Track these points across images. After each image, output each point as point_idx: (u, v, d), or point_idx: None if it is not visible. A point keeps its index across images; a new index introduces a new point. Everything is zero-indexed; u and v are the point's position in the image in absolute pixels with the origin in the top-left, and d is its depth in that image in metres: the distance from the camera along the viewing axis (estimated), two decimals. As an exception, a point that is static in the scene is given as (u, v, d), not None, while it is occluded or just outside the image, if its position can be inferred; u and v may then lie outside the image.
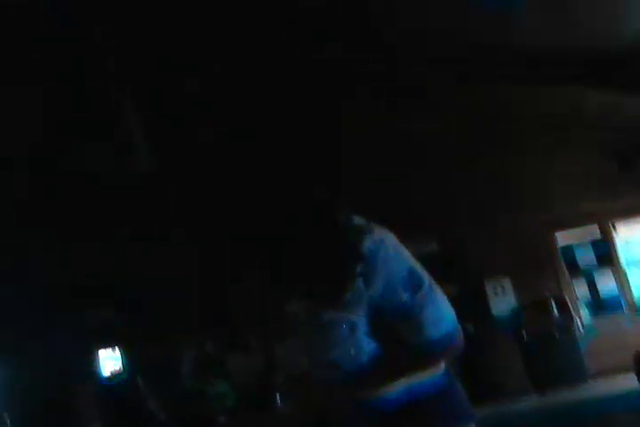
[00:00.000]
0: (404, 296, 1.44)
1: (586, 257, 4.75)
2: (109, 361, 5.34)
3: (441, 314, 1.48)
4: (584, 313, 4.87)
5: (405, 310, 1.45)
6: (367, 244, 1.40)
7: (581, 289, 4.84)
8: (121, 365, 5.29)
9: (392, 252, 1.44)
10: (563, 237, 4.69)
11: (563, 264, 4.76)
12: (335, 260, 1.40)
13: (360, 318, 1.45)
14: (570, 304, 4.76)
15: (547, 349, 4.92)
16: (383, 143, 3.55)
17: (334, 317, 1.44)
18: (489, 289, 4.79)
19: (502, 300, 4.78)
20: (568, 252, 4.73)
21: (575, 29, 3.18)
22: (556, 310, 4.74)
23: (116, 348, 5.33)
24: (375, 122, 3.23)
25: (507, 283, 4.75)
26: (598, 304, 4.88)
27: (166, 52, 3.21)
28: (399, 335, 1.46)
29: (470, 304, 4.82)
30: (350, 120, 3.01)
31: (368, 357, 1.48)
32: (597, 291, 4.85)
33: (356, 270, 1.39)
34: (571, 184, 4.34)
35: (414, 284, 1.46)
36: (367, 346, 1.49)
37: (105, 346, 5.35)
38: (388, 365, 1.48)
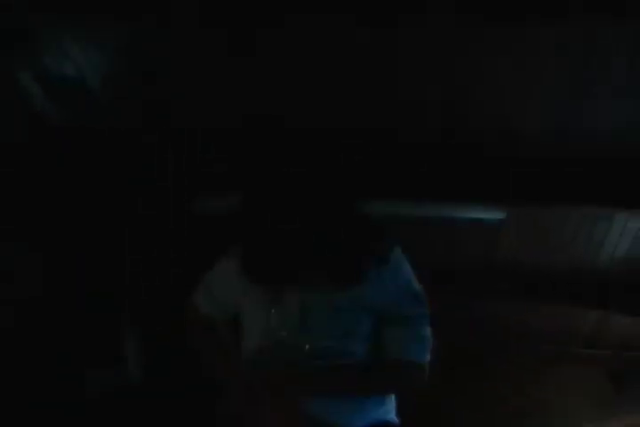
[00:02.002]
0: (408, 309, 1.61)
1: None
2: None
3: (426, 343, 1.63)
4: None
5: (404, 320, 1.61)
6: (394, 252, 1.62)
7: None
8: None
9: (408, 270, 1.65)
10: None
11: None
12: (360, 253, 1.59)
13: (365, 316, 1.59)
14: None
15: None
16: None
17: (343, 303, 1.56)
18: None
19: None
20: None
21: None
22: None
23: None
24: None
25: None
26: None
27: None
28: (385, 347, 1.60)
29: None
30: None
31: (352, 358, 1.58)
32: None
33: (375, 266, 1.58)
34: (567, 405, 4.31)
35: (419, 302, 1.64)
36: (360, 346, 1.60)
37: None
38: (358, 370, 1.57)
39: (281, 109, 2.73)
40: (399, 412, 1.81)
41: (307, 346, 1.62)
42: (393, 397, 1.78)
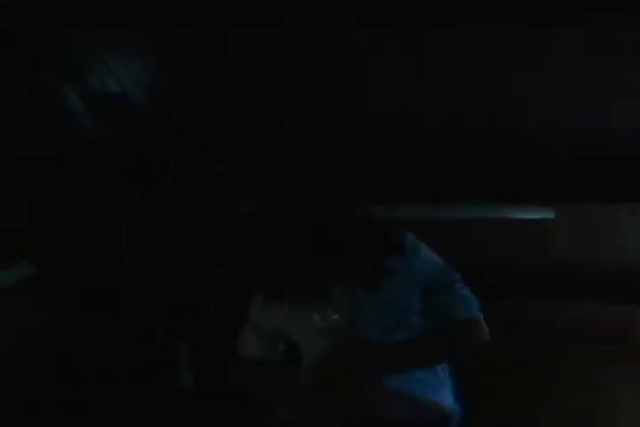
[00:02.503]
0: (443, 278, 1.74)
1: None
2: None
3: (473, 302, 1.76)
4: None
5: (443, 287, 1.72)
6: (407, 239, 1.76)
7: None
8: None
9: (426, 248, 1.78)
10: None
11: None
12: (376, 251, 1.70)
13: (412, 294, 1.69)
14: None
15: None
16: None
17: (389, 287, 1.67)
18: None
19: None
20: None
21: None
22: None
23: None
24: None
25: None
26: None
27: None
28: (441, 312, 1.70)
29: None
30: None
31: (411, 330, 1.67)
32: None
33: (396, 257, 1.70)
34: (623, 405, 4.23)
35: (449, 271, 1.77)
36: (415, 323, 1.69)
37: None
38: (424, 341, 1.66)
39: (282, 109, 2.71)
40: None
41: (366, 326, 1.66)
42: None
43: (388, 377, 1.60)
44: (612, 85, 2.61)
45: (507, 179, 2.89)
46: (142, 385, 3.69)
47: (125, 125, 2.83)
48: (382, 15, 2.20)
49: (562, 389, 4.29)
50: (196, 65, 2.57)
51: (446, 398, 1.73)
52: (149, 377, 3.72)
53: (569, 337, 3.87)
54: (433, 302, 1.74)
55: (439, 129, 2.81)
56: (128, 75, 2.61)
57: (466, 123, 2.72)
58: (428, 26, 2.23)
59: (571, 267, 3.40)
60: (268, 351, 1.88)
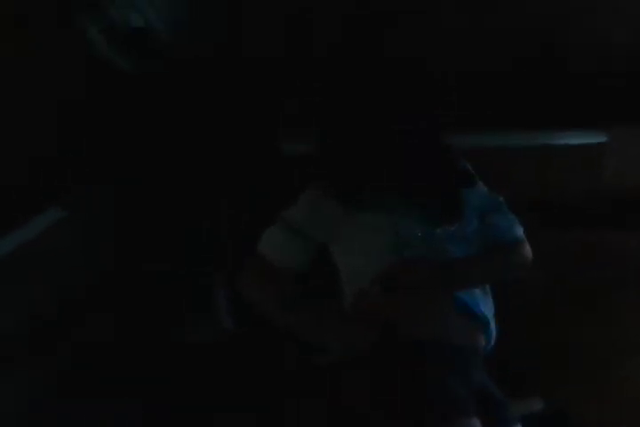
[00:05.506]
0: (492, 200, 1.80)
1: None
2: None
3: (518, 222, 1.80)
4: None
5: (496, 209, 1.78)
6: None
7: None
8: None
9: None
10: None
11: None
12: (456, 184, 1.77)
13: (472, 219, 1.73)
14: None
15: None
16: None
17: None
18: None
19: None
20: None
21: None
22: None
23: None
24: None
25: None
26: None
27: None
28: (493, 234, 1.74)
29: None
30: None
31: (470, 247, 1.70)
32: None
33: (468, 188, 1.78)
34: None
35: (496, 196, 1.82)
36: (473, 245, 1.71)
37: None
38: (481, 259, 1.69)
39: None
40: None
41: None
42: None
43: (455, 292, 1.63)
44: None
45: (558, 100, 2.74)
46: (184, 329, 3.69)
47: (151, 60, 2.69)
48: None
49: (618, 316, 4.22)
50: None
51: (490, 314, 1.73)
52: (190, 321, 3.72)
53: (622, 265, 3.76)
54: (485, 225, 1.75)
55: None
56: (153, 9, 2.46)
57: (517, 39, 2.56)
58: None
59: (623, 193, 3.26)
60: (299, 254, 1.73)
